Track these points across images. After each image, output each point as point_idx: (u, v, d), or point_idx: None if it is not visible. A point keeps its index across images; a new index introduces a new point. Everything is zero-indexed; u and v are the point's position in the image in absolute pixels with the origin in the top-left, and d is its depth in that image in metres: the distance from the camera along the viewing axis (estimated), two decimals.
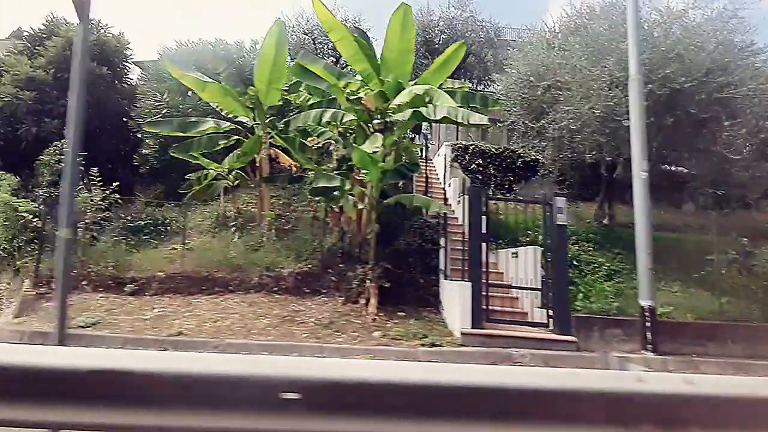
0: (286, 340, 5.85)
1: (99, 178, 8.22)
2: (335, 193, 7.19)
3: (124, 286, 7.14)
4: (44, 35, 14.20)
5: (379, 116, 7.35)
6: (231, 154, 9.22)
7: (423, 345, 5.87)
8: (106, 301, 6.85)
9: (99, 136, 13.25)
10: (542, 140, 9.29)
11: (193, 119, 8.70)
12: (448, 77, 8.95)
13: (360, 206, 7.11)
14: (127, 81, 15.29)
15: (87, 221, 7.77)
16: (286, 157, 8.59)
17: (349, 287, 7.07)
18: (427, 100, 7.23)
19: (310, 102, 9.37)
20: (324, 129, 8.74)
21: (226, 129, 8.65)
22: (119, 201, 8.30)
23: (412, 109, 7.15)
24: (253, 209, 9.62)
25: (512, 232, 9.22)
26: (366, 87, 8.75)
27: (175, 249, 8.61)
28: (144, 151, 11.62)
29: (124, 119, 14.22)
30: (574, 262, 8.58)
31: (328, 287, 7.36)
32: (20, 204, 8.04)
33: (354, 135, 7.87)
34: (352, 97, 7.36)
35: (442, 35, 18.77)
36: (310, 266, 7.47)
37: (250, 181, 9.13)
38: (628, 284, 8.60)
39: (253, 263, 7.47)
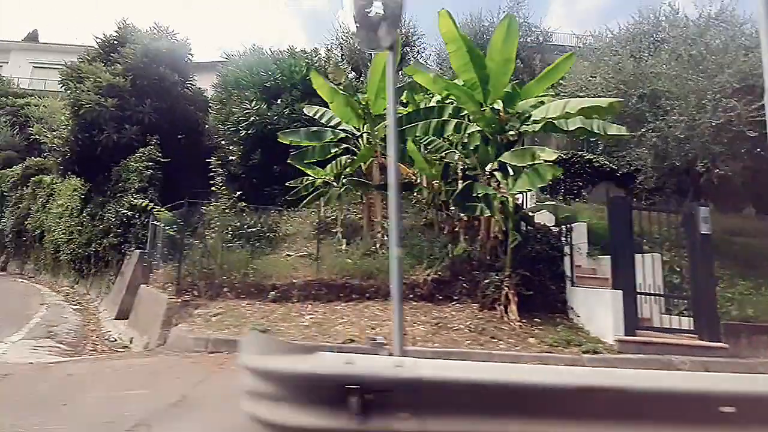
0: (451, 347, 6.01)
1: (223, 187, 8.33)
2: (471, 203, 7.35)
3: (265, 294, 7.28)
4: (116, 41, 14.35)
5: (512, 127, 7.52)
6: (333, 162, 9.41)
7: (586, 352, 6.03)
8: (254, 308, 6.99)
9: (170, 141, 13.42)
10: (642, 148, 9.48)
11: (314, 129, 8.89)
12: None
13: (497, 215, 7.27)
14: (189, 86, 15.42)
15: (218, 229, 7.90)
16: (402, 165, 8.75)
17: (485, 294, 7.23)
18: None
19: (406, 111, 9.59)
20: (432, 138, 8.94)
21: (341, 137, 8.84)
22: (244, 209, 8.44)
23: (545, 121, 7.33)
24: (357, 216, 9.80)
25: (605, 238, 9.43)
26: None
27: (290, 255, 8.78)
28: (231, 157, 11.75)
29: (204, 124, 14.40)
30: (676, 268, 8.81)
31: (460, 294, 7.53)
32: (161, 212, 8.10)
33: (477, 145, 8.03)
34: (487, 107, 7.51)
35: (488, 38, 18.98)
36: (440, 273, 7.63)
37: (357, 189, 9.28)
38: (733, 290, 8.80)
39: (384, 270, 7.61)
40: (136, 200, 11.49)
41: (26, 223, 19.39)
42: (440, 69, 18.84)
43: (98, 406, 3.80)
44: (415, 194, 9.33)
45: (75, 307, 12.04)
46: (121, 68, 13.17)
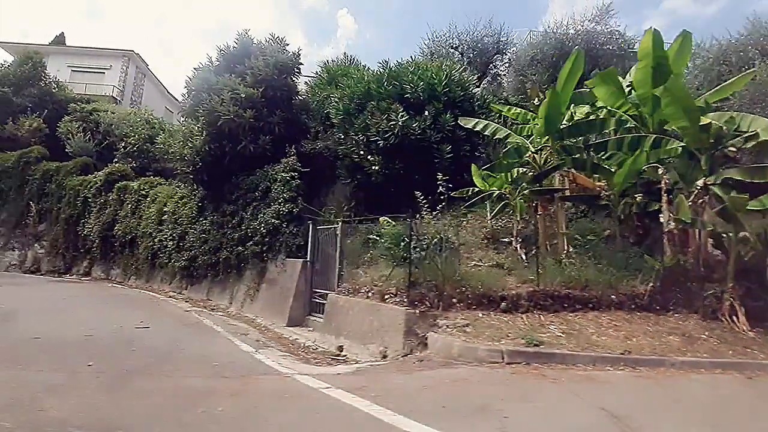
0: (721, 358, 6.24)
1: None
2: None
3: (495, 304, 7.51)
4: (235, 52, 14.63)
5: (723, 142, 7.78)
6: (502, 174, 9.70)
7: None
8: (491, 318, 7.20)
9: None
10: None
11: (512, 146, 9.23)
12: None
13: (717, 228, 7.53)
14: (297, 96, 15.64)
15: (429, 241, 8.13)
16: (584, 177, 9.01)
17: (705, 304, 7.50)
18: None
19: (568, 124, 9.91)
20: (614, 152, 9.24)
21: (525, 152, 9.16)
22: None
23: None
24: (522, 226, 10.05)
25: None
26: (639, 109, 9.38)
27: (478, 266, 9.01)
28: (374, 167, 11.90)
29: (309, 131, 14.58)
30: None
31: (674, 304, 7.77)
32: (388, 226, 8.33)
33: (679, 160, 8.33)
34: (704, 122, 7.78)
35: (575, 47, 19.23)
36: (653, 284, 7.87)
37: (535, 199, 9.52)
38: None
39: (600, 282, 7.86)
40: (286, 209, 11.75)
41: (115, 228, 19.63)
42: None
43: (541, 417, 4.05)
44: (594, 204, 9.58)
45: (220, 314, 12.28)
46: (251, 80, 13.45)
